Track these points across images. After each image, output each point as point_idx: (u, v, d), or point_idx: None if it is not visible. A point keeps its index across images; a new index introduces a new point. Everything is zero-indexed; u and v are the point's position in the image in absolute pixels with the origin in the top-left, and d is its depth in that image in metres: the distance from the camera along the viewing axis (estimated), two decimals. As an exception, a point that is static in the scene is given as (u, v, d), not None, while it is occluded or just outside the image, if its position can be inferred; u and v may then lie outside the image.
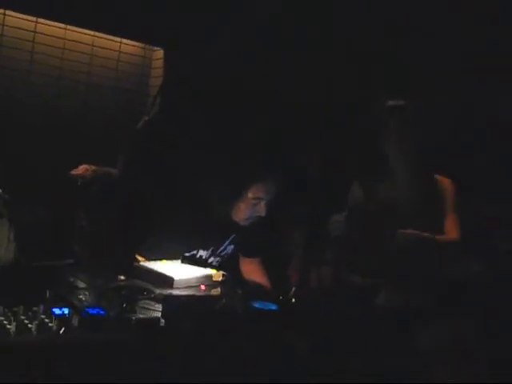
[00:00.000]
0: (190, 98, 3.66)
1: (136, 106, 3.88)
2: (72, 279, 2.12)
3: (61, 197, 3.23)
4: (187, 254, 2.41)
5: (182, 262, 2.25)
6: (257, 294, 2.02)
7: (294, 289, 2.04)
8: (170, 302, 1.70)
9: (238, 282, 2.13)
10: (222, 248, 2.60)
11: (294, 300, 1.91)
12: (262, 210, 2.48)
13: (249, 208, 2.48)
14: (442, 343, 2.28)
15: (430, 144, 2.60)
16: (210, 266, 2.31)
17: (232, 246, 2.63)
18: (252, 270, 2.62)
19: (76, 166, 3.27)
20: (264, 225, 2.57)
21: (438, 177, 2.62)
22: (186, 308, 1.68)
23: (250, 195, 2.47)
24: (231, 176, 2.54)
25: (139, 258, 2.41)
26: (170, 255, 2.34)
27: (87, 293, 1.98)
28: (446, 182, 2.61)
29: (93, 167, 3.32)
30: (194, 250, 2.51)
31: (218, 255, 2.63)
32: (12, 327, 1.60)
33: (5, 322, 1.65)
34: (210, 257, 2.57)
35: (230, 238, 2.63)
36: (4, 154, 3.09)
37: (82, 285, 2.11)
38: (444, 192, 2.57)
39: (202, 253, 2.52)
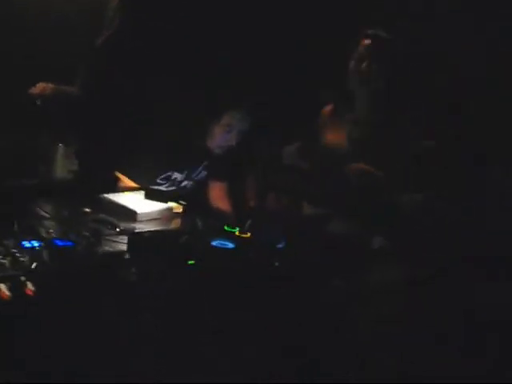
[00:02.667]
0: (155, 12, 3.58)
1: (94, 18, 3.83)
2: (38, 209, 2.23)
3: (22, 118, 3.23)
4: (163, 175, 2.57)
5: (146, 197, 2.37)
6: (214, 226, 2.18)
7: (249, 222, 2.19)
8: (134, 239, 1.84)
9: (198, 214, 2.27)
10: (196, 173, 2.75)
11: (249, 233, 2.07)
12: (233, 138, 2.63)
13: (222, 134, 2.61)
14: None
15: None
16: (170, 199, 2.43)
17: (205, 172, 2.78)
18: (218, 196, 2.78)
19: (34, 85, 3.26)
20: (234, 152, 2.71)
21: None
22: (149, 243, 1.83)
23: (223, 121, 2.60)
24: (207, 101, 2.64)
25: (120, 176, 2.54)
26: (146, 176, 2.48)
27: (54, 224, 2.10)
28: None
29: (51, 85, 3.31)
30: (169, 171, 2.66)
31: (192, 179, 2.79)
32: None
33: None
34: (183, 180, 2.74)
35: (204, 164, 2.77)
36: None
37: (46, 215, 2.23)
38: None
39: (177, 175, 2.69)
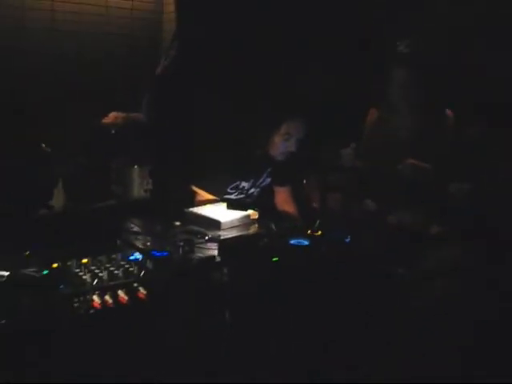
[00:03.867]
0: (209, 38, 3.86)
1: (151, 51, 4.17)
2: (131, 225, 2.55)
3: (97, 145, 3.55)
4: (232, 185, 2.90)
5: (228, 207, 2.67)
6: (288, 228, 2.46)
7: (318, 221, 2.46)
8: (224, 244, 2.13)
9: (272, 219, 2.55)
10: (261, 180, 3.06)
11: (320, 232, 2.33)
12: (292, 145, 2.91)
13: (282, 142, 2.90)
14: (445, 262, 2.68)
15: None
16: (248, 207, 2.72)
17: (269, 179, 3.09)
18: (284, 200, 3.07)
19: (106, 115, 3.59)
20: (294, 158, 3.00)
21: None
22: (237, 247, 2.12)
23: (282, 131, 2.88)
24: (266, 113, 2.94)
25: (197, 190, 2.87)
26: (217, 187, 2.84)
27: (148, 238, 2.41)
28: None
29: (121, 114, 3.63)
30: (237, 181, 2.99)
31: (258, 186, 3.08)
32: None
33: (80, 274, 2.02)
34: (250, 187, 3.04)
35: (268, 171, 3.07)
36: (41, 112, 3.39)
37: (137, 230, 2.54)
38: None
39: (244, 184, 2.99)
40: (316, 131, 2.98)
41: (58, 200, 2.96)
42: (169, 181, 3.05)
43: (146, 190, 3.27)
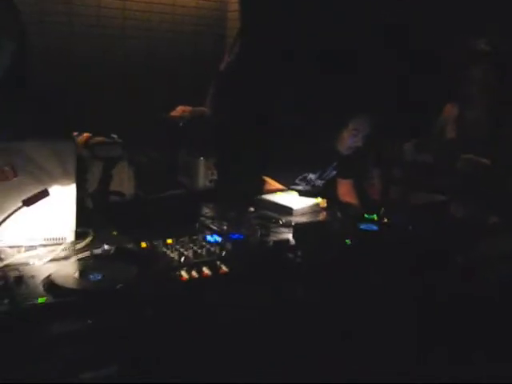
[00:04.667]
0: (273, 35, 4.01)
1: (215, 48, 4.37)
2: (207, 211, 2.74)
3: (164, 137, 3.74)
4: (300, 177, 3.04)
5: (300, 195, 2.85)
6: (354, 215, 2.62)
7: (382, 209, 2.61)
8: (298, 228, 2.30)
9: (338, 207, 2.71)
10: (327, 172, 3.22)
11: (386, 219, 2.48)
12: (359, 141, 3.07)
13: (350, 138, 3.06)
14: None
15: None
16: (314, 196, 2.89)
17: (334, 171, 3.26)
18: (346, 192, 3.24)
19: (173, 109, 3.78)
20: (360, 153, 3.15)
21: None
22: (311, 231, 2.29)
23: (350, 126, 3.04)
24: (336, 109, 3.10)
25: (267, 179, 3.04)
26: (286, 178, 3.02)
27: (224, 222, 2.59)
28: None
29: (188, 108, 3.82)
30: (305, 173, 3.19)
31: (323, 178, 3.26)
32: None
33: (168, 252, 2.20)
34: (316, 179, 3.23)
35: (333, 165, 3.23)
36: (115, 105, 3.61)
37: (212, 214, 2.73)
38: None
39: (312, 176, 3.17)
40: (380, 127, 3.13)
41: (129, 189, 3.15)
42: (239, 171, 3.24)
43: (210, 181, 3.45)
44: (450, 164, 3.01)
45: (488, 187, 2.98)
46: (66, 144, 2.05)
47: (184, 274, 2.06)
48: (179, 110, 3.76)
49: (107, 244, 2.03)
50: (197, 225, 2.55)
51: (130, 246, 2.08)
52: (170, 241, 2.33)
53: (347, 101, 3.12)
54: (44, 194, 1.87)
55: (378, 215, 2.51)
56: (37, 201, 1.85)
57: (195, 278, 1.97)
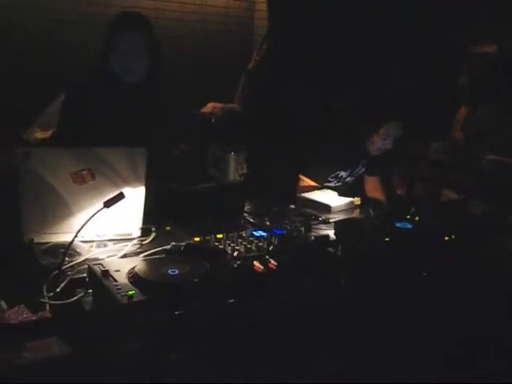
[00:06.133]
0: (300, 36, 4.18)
1: (244, 47, 4.53)
2: (249, 207, 2.95)
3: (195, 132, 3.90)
4: (333, 174, 3.28)
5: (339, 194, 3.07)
6: (387, 213, 2.82)
7: (413, 208, 2.80)
8: (339, 224, 2.51)
9: (370, 205, 2.92)
10: (357, 170, 3.43)
11: (417, 218, 2.68)
12: (389, 143, 3.27)
13: (380, 141, 3.26)
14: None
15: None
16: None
17: (363, 169, 3.48)
18: (374, 188, 3.45)
19: (204, 105, 3.96)
20: (388, 154, 3.36)
21: None
22: (351, 228, 2.49)
23: (382, 131, 3.24)
24: (369, 115, 3.29)
25: (302, 178, 3.24)
26: (319, 176, 3.21)
27: (265, 218, 2.80)
28: None
29: (219, 104, 4.01)
30: (337, 171, 3.39)
31: (353, 175, 3.48)
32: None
33: (220, 247, 2.40)
34: (347, 177, 3.43)
35: (363, 163, 3.44)
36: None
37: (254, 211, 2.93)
38: None
39: (343, 173, 3.38)
40: (407, 128, 3.33)
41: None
42: (275, 168, 3.45)
43: (240, 175, 3.63)
44: (463, 163, 3.22)
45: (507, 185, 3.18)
46: (138, 150, 2.25)
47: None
48: (210, 107, 3.95)
49: (172, 241, 2.24)
50: (242, 220, 2.75)
51: (197, 241, 2.28)
52: (220, 236, 2.53)
53: (380, 108, 3.31)
54: (120, 196, 2.08)
55: (410, 214, 2.71)
56: (115, 203, 2.06)
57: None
